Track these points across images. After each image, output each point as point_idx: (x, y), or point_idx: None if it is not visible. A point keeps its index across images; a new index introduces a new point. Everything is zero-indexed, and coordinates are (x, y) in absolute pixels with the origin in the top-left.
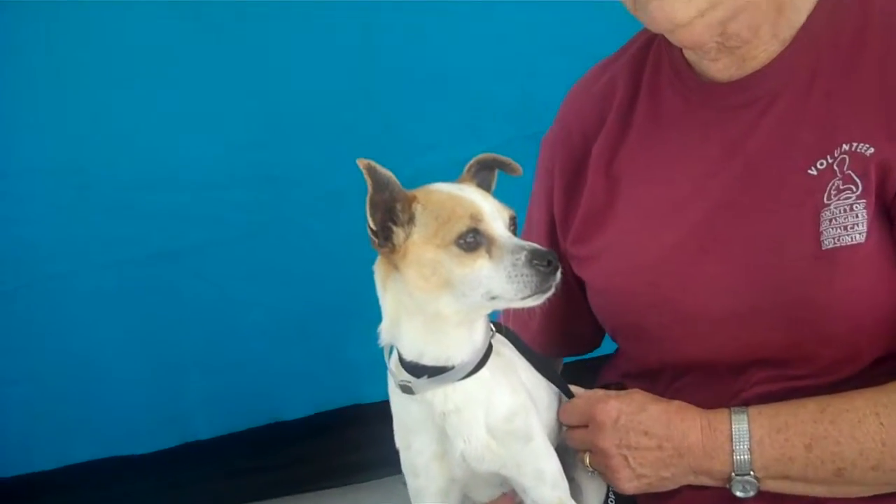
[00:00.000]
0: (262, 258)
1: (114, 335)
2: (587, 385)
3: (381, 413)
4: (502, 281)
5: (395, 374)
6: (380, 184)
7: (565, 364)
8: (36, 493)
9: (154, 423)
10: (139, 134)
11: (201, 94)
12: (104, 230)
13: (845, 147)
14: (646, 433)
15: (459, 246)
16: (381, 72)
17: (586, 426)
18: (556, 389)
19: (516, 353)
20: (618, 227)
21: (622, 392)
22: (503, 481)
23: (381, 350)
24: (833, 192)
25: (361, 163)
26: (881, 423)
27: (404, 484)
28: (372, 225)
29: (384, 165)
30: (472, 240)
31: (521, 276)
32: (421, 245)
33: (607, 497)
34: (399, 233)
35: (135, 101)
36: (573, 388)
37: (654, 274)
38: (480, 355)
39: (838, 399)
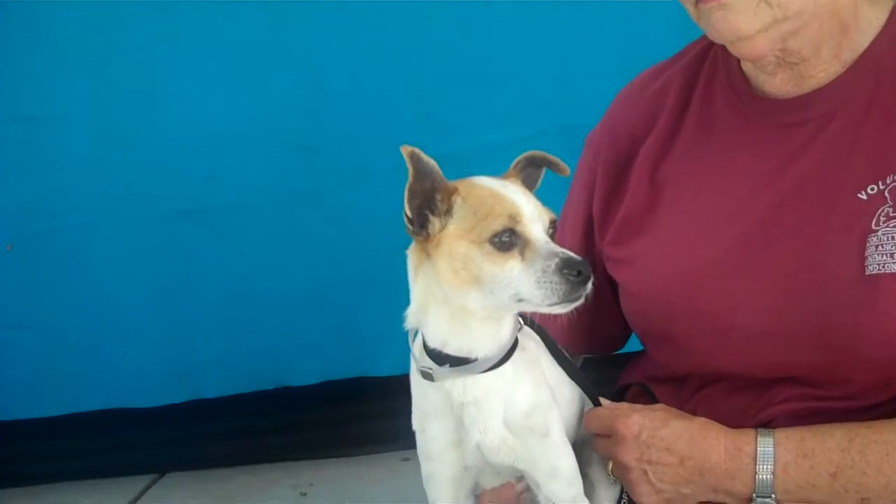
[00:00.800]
0: (286, 225)
1: (131, 288)
2: (608, 379)
3: (387, 388)
4: (531, 285)
5: (418, 359)
6: (421, 172)
7: (586, 357)
8: (43, 437)
9: (163, 379)
10: (177, 93)
11: (242, 58)
12: (132, 184)
13: None
14: (667, 449)
15: (493, 244)
16: (422, 52)
17: (609, 436)
18: (576, 387)
19: (542, 347)
20: (658, 234)
21: (646, 406)
22: (517, 473)
23: (393, 326)
24: (882, 219)
25: (405, 150)
26: None
27: (404, 460)
28: (408, 212)
29: (416, 145)
30: (508, 240)
31: (551, 282)
32: (455, 238)
33: (621, 497)
34: (435, 223)
35: (175, 60)
36: (603, 399)
37: (690, 285)
38: (505, 350)
39: (867, 429)
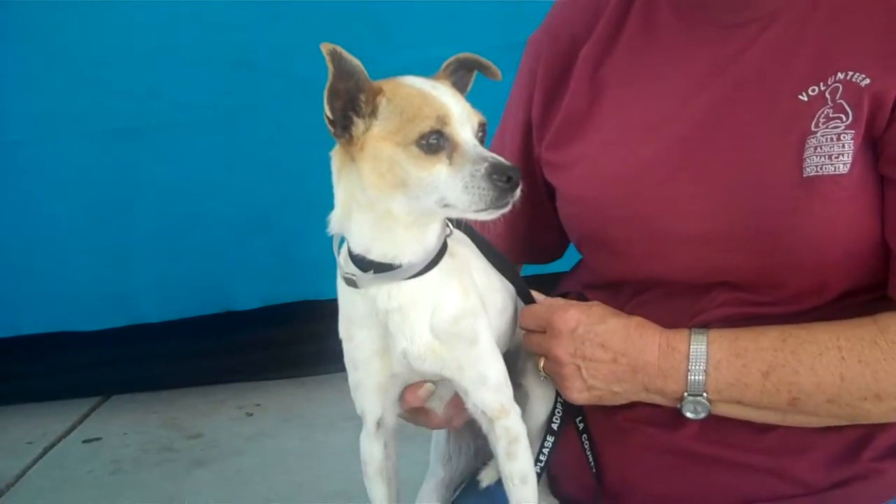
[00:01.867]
0: (227, 144)
1: (68, 208)
2: (547, 295)
3: (331, 310)
4: (458, 190)
5: (342, 266)
6: (343, 71)
7: (524, 278)
8: None
9: (103, 302)
10: (115, 8)
11: None
12: (69, 102)
13: (840, 76)
14: (602, 345)
15: (420, 147)
16: None
17: (544, 332)
18: (511, 293)
19: (474, 251)
20: (596, 137)
21: (583, 303)
22: (445, 381)
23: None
24: (822, 120)
25: (325, 48)
26: (842, 358)
27: None
28: (329, 113)
29: (361, 58)
30: (435, 142)
31: (478, 188)
32: (380, 140)
33: (555, 406)
34: (359, 124)
35: None
36: (534, 294)
37: (627, 187)
38: (431, 256)
39: (801, 330)
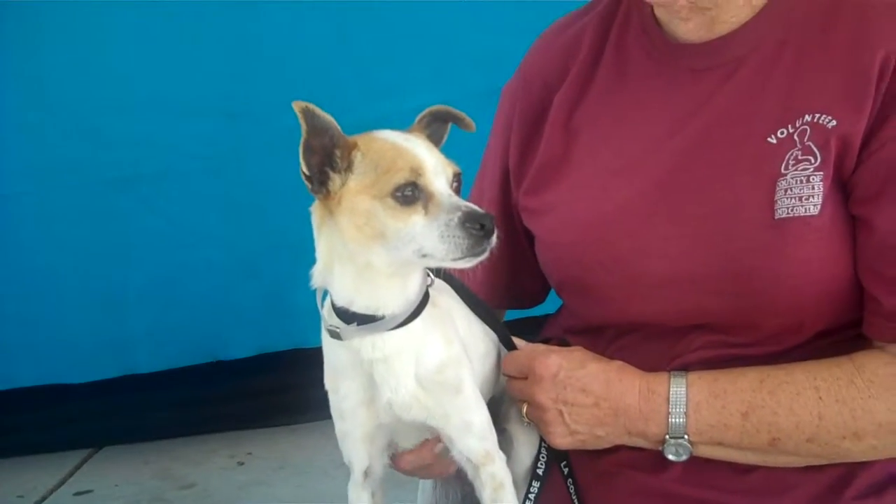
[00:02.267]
0: (216, 193)
1: (60, 260)
2: (530, 340)
3: (321, 358)
4: (434, 240)
5: (326, 319)
6: (316, 128)
7: (508, 322)
8: None
9: (95, 353)
10: (105, 59)
11: (172, 24)
12: (60, 152)
13: (807, 118)
14: (583, 390)
15: (396, 199)
16: (350, 16)
17: (526, 378)
18: (494, 340)
19: (456, 300)
20: (572, 182)
21: (564, 348)
22: (430, 430)
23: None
24: (791, 162)
25: (297, 106)
26: (819, 398)
27: None
28: (305, 169)
29: (346, 108)
30: (410, 194)
31: (454, 237)
32: (356, 194)
33: (539, 451)
34: (336, 179)
35: (104, 27)
36: (516, 340)
37: (603, 231)
38: (413, 306)
39: (779, 370)
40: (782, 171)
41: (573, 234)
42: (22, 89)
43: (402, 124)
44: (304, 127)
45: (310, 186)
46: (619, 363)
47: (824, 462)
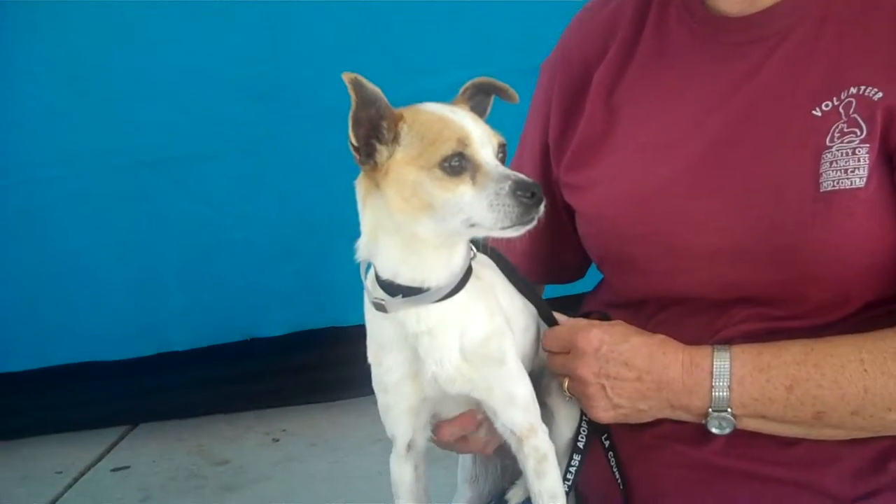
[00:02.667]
0: (251, 174)
1: (97, 241)
2: (570, 316)
3: (357, 336)
4: (483, 209)
5: (370, 291)
6: (365, 100)
7: (546, 300)
8: (12, 392)
9: (131, 332)
10: (139, 44)
11: (204, 6)
12: (96, 137)
13: (853, 90)
14: (626, 364)
15: (443, 169)
16: None
17: (568, 352)
18: (533, 314)
19: (498, 274)
20: (613, 157)
21: (606, 322)
22: (474, 403)
23: (359, 273)
24: (836, 135)
25: (347, 77)
26: (865, 370)
27: (376, 404)
28: (353, 141)
29: (379, 86)
30: (458, 164)
31: (503, 205)
32: (404, 165)
33: (580, 424)
34: (382, 151)
35: (135, 9)
36: (557, 315)
37: (646, 206)
38: (458, 279)
39: (823, 343)
40: (827, 143)
41: (616, 208)
42: (54, 75)
43: (436, 100)
44: (353, 98)
45: (357, 158)
46: (661, 337)
47: (869, 434)
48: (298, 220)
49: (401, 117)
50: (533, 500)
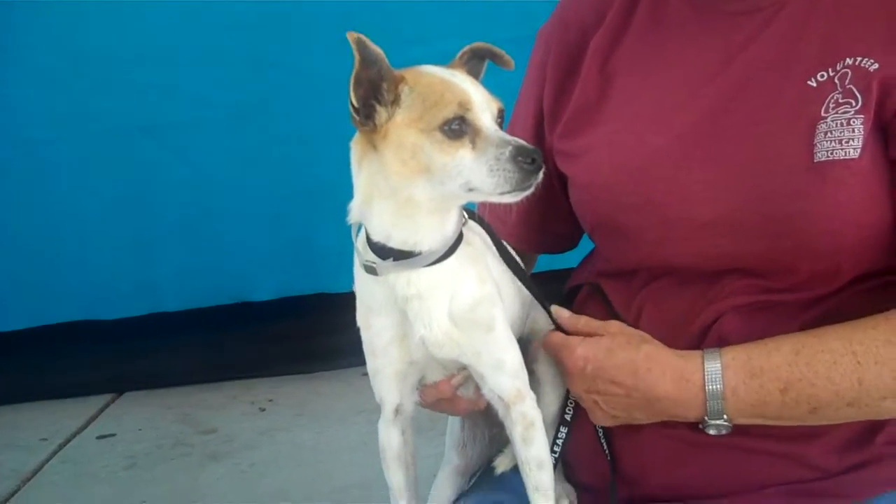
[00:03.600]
0: (242, 140)
1: (90, 203)
2: (554, 294)
3: (346, 303)
4: (483, 174)
5: (361, 253)
6: (368, 60)
7: (537, 272)
8: (7, 350)
9: (124, 291)
10: (132, 8)
11: None
12: (90, 100)
13: (849, 61)
14: (613, 382)
15: (444, 132)
16: None
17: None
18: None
19: (487, 241)
20: (607, 126)
21: (591, 337)
22: (462, 368)
23: (351, 241)
24: (831, 105)
25: (351, 36)
26: (858, 362)
27: (363, 375)
28: (354, 101)
29: None
30: (458, 128)
31: (503, 170)
32: (403, 127)
33: (567, 396)
34: (382, 112)
35: None
36: (556, 309)
37: (639, 174)
38: (450, 244)
39: (813, 339)
40: (822, 114)
41: (608, 175)
42: (50, 38)
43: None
44: (357, 57)
45: (356, 118)
46: (646, 350)
47: (864, 419)
48: (290, 187)
49: (402, 79)
50: (520, 467)
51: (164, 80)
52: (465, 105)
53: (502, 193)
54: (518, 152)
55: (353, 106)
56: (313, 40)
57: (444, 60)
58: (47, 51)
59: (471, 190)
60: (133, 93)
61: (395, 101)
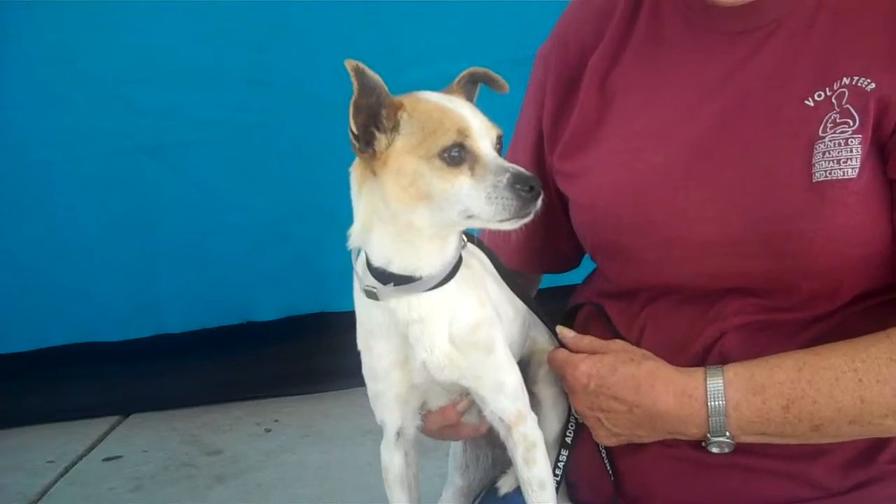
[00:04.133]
0: (244, 160)
1: (93, 224)
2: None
3: (347, 323)
4: (481, 201)
5: (361, 278)
6: (366, 87)
7: (541, 290)
8: (10, 373)
9: (128, 313)
10: (133, 29)
11: None
12: (91, 121)
13: (846, 81)
14: (615, 398)
15: (443, 159)
16: None
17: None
18: (521, 304)
19: (487, 264)
20: (606, 145)
21: (594, 354)
22: (463, 391)
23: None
24: (829, 125)
25: (349, 64)
26: (860, 380)
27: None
28: (353, 129)
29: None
30: (457, 155)
31: (502, 198)
32: (403, 154)
33: (569, 419)
34: (381, 139)
35: None
36: (561, 330)
37: (638, 195)
38: (450, 268)
39: (815, 357)
40: (820, 133)
41: (608, 196)
42: (51, 59)
43: (429, 89)
44: (355, 85)
45: (356, 146)
46: (649, 367)
47: (866, 437)
48: (291, 206)
49: (401, 106)
50: (522, 488)
51: (165, 101)
52: (463, 132)
53: (501, 221)
54: (516, 179)
55: (352, 133)
56: (314, 61)
57: (444, 81)
58: (48, 71)
59: (469, 217)
60: (135, 113)
61: (395, 128)
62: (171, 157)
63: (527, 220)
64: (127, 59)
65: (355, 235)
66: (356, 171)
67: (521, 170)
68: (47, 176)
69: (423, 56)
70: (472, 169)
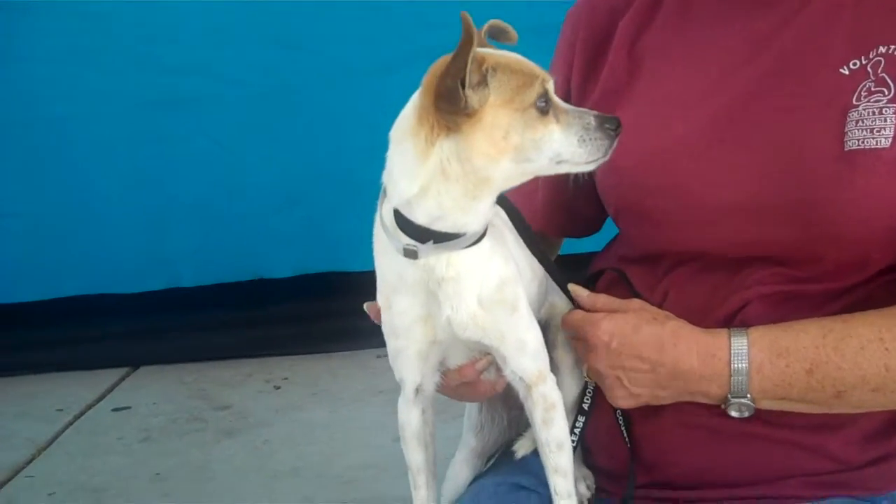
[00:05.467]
0: (264, 119)
1: (110, 177)
2: (580, 274)
3: (360, 283)
4: (573, 145)
5: (397, 238)
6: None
7: (559, 256)
8: (24, 321)
9: (141, 266)
10: None
11: None
12: (116, 78)
13: (882, 49)
14: (638, 357)
15: (538, 109)
16: None
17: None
18: (538, 266)
19: (506, 221)
20: (635, 109)
21: (616, 312)
22: (483, 349)
23: (367, 223)
24: (863, 94)
25: (466, 16)
26: (886, 349)
27: (378, 357)
28: (468, 81)
29: (399, 38)
30: (544, 104)
31: (593, 139)
32: (498, 108)
33: (586, 385)
34: (472, 96)
35: None
36: (574, 288)
37: (666, 158)
38: (486, 225)
39: (841, 323)
40: (854, 102)
41: (635, 158)
42: (81, 14)
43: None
44: (472, 38)
45: (462, 103)
46: (672, 325)
47: (889, 408)
48: (309, 166)
49: (483, 60)
50: (539, 449)
51: (192, 58)
52: (545, 82)
53: (591, 161)
54: (603, 120)
55: (461, 87)
56: (341, 26)
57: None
58: (78, 26)
59: (560, 162)
60: (155, 68)
61: (480, 83)
62: (189, 113)
63: (605, 158)
64: (157, 16)
65: (403, 196)
66: (420, 132)
67: (598, 113)
68: (64, 129)
69: (452, 21)
70: (556, 116)
